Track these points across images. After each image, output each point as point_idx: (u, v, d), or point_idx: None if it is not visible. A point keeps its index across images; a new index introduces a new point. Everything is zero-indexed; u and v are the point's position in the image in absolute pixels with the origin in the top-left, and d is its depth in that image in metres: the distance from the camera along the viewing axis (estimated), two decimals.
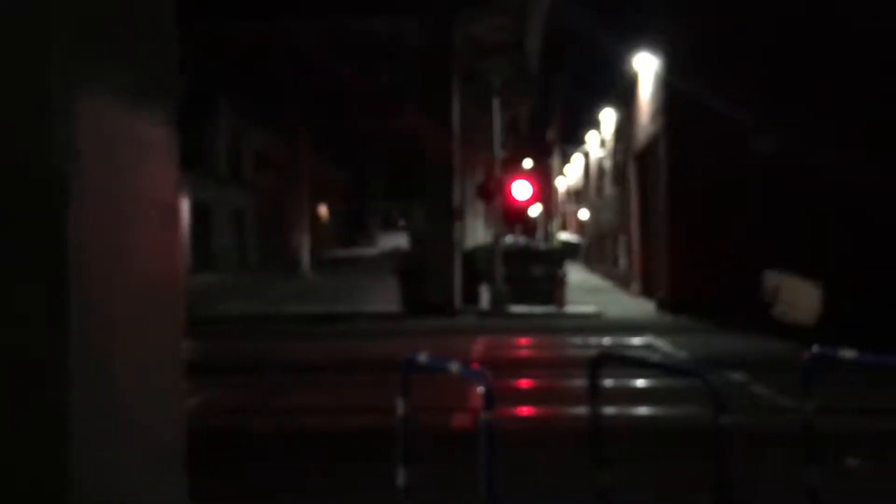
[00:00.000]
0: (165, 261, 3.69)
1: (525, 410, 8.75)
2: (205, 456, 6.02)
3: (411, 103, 27.48)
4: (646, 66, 22.04)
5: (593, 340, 14.38)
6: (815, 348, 4.59)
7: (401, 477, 4.31)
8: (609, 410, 7.75)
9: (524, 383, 10.52)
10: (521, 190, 20.75)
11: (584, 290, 26.75)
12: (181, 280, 3.88)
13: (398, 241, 61.51)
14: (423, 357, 4.33)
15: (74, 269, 2.98)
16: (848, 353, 4.30)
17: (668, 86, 19.66)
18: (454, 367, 4.01)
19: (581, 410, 4.98)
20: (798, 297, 16.06)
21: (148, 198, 3.57)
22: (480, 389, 3.68)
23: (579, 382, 7.54)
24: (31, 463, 2.92)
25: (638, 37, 22.05)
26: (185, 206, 36.25)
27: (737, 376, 10.49)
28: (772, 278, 17.24)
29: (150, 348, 3.58)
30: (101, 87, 3.21)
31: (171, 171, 3.83)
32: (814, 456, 4.45)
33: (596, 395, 4.71)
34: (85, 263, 3.05)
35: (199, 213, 38.27)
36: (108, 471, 3.15)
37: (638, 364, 6.90)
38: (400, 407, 4.39)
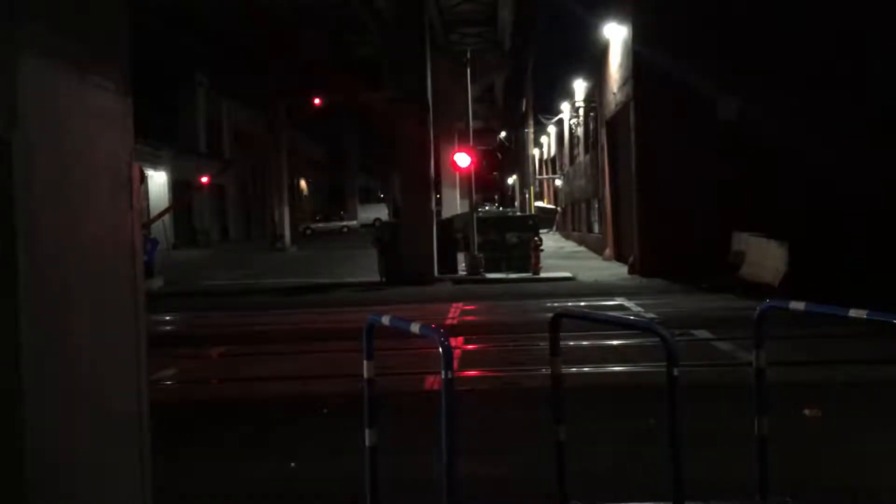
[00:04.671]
0: (120, 232, 3.59)
1: (495, 372, 9.07)
2: (174, 423, 6.37)
3: (386, 74, 27.60)
4: (615, 36, 22.29)
5: (566, 304, 14.79)
6: (767, 302, 4.73)
7: (368, 438, 4.35)
8: (575, 369, 8.21)
9: (496, 346, 10.84)
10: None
11: (559, 256, 27.21)
12: (138, 248, 3.78)
13: (378, 213, 61.57)
14: (385, 319, 4.28)
15: (22, 236, 2.90)
16: (797, 305, 4.39)
17: (637, 54, 19.96)
18: (415, 327, 3.97)
19: (548, 371, 5.08)
20: (764, 258, 16.46)
21: (100, 168, 3.44)
22: (439, 348, 3.62)
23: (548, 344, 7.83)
24: None
25: (607, 7, 22.30)
26: (164, 182, 36.24)
27: (702, 333, 10.97)
28: (739, 239, 17.70)
29: (109, 321, 3.48)
30: (46, 52, 3.08)
31: (125, 141, 3.65)
32: (765, 406, 4.53)
33: (556, 352, 4.73)
34: (33, 231, 2.97)
35: (178, 189, 38.28)
36: (62, 440, 3.12)
37: (596, 321, 7.16)
38: (365, 370, 4.38)
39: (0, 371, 2.89)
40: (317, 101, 30.83)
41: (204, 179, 35.47)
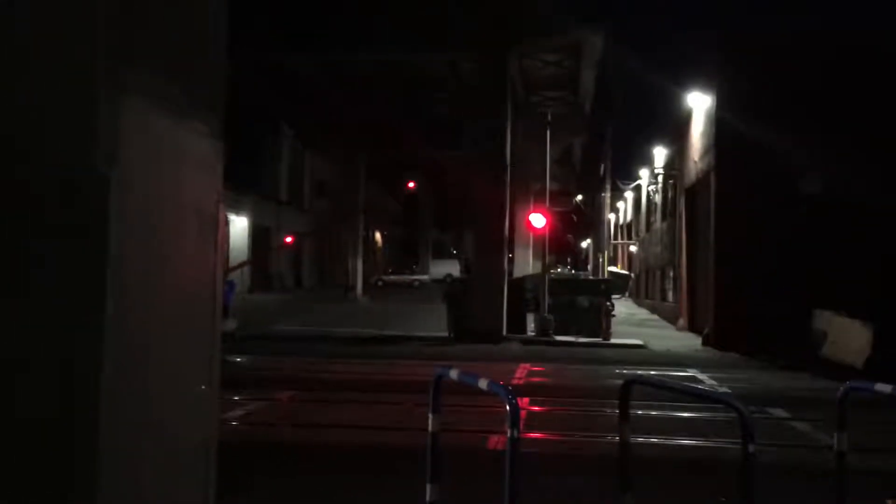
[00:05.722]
0: (204, 271, 3.69)
1: (560, 435, 8.91)
2: (239, 464, 6.41)
3: (466, 133, 27.97)
4: (699, 104, 22.18)
5: (636, 372, 14.45)
6: (850, 383, 4.59)
7: (429, 493, 4.31)
8: (643, 439, 7.99)
9: (562, 409, 10.66)
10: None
11: (630, 323, 26.74)
12: (219, 288, 3.86)
13: (450, 268, 61.81)
14: (454, 373, 4.29)
15: (112, 274, 3.01)
16: (883, 387, 4.21)
17: (720, 123, 19.79)
18: (483, 383, 3.94)
19: (614, 439, 4.97)
20: (847, 338, 15.88)
21: (189, 208, 3.56)
22: (507, 406, 3.61)
23: (616, 412, 7.66)
24: (58, 464, 2.96)
25: (691, 76, 22.26)
26: (244, 227, 37.25)
27: (779, 412, 10.56)
28: (821, 318, 17.11)
29: (185, 356, 3.58)
30: (147, 97, 3.22)
31: (213, 183, 3.77)
32: (845, 492, 4.36)
33: (625, 418, 4.62)
34: (123, 269, 3.07)
35: (259, 235, 39.29)
36: (135, 474, 3.20)
37: (668, 389, 6.93)
38: (431, 423, 4.35)
39: (79, 405, 2.97)
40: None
41: (288, 239, 36.51)
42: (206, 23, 3.78)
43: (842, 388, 4.46)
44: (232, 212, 34.93)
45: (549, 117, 23.99)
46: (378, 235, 64.52)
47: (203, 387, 3.73)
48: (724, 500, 5.91)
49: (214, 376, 3.82)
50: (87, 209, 3.00)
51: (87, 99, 3.02)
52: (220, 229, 3.84)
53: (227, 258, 30.22)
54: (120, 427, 3.11)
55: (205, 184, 3.72)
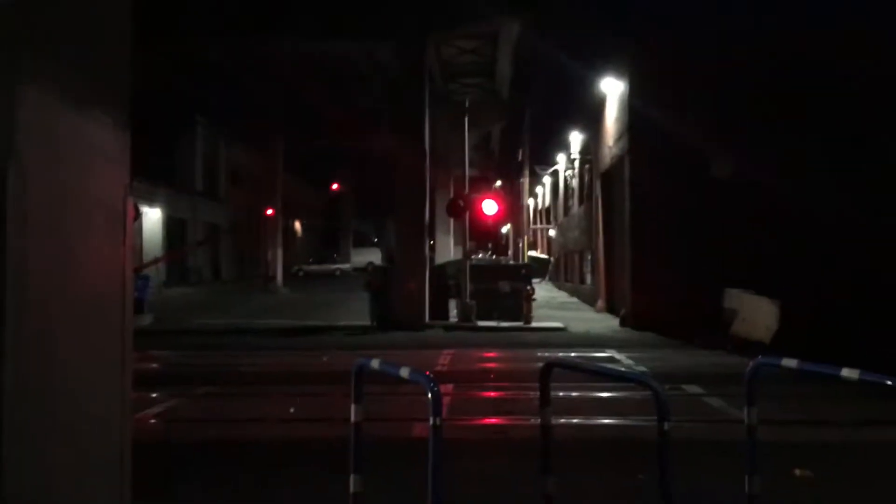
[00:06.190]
0: (111, 264, 3.60)
1: (484, 420, 8.99)
2: (158, 463, 6.26)
3: (384, 122, 27.87)
4: (612, 90, 22.59)
5: (557, 354, 14.70)
6: (759, 358, 4.68)
7: (353, 484, 4.30)
8: (564, 420, 8.13)
9: (486, 394, 10.76)
10: (489, 207, 21.51)
11: (551, 306, 27.14)
12: (129, 284, 3.75)
13: (372, 257, 61.57)
14: (374, 363, 4.27)
15: (12, 268, 2.90)
16: (789, 362, 4.35)
17: (633, 109, 20.20)
18: (404, 372, 3.92)
19: (537, 421, 5.04)
20: (755, 315, 16.46)
21: (95, 201, 3.47)
22: (428, 394, 3.61)
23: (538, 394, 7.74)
24: None
25: (605, 62, 22.61)
26: (158, 220, 36.25)
27: (693, 389, 10.91)
28: (731, 296, 17.71)
29: (93, 352, 3.46)
30: (47, 86, 3.12)
31: (120, 175, 3.69)
32: (755, 464, 4.50)
33: (546, 402, 4.69)
34: (24, 263, 2.96)
35: (173, 227, 38.29)
36: (42, 474, 3.10)
37: (587, 371, 7.09)
38: (353, 414, 4.34)
39: None
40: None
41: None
42: (111, 10, 3.66)
43: (750, 365, 4.62)
44: (145, 204, 33.93)
45: (468, 104, 24.10)
46: (298, 225, 63.66)
47: (114, 387, 3.62)
48: (641, 476, 6.07)
49: (127, 376, 3.71)
50: None
51: None
52: (129, 224, 3.72)
53: (140, 252, 29.39)
54: (25, 426, 3.01)
55: (112, 176, 3.62)
